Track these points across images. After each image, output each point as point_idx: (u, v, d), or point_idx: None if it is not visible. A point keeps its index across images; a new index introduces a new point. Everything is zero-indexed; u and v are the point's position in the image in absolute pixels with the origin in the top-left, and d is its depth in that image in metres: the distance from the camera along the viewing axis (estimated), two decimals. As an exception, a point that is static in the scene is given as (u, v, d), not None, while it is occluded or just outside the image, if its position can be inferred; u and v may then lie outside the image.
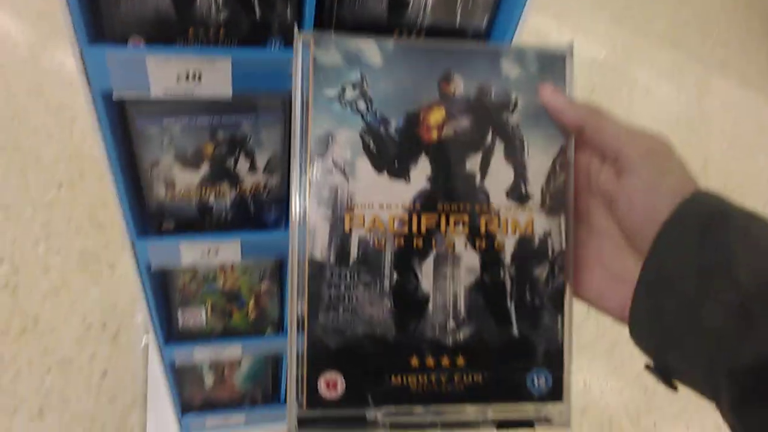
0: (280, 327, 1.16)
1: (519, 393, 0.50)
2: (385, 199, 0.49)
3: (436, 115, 0.50)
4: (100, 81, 0.65)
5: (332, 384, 0.48)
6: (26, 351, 1.51)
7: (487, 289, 0.50)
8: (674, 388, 0.45)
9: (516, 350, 0.50)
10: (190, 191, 0.87)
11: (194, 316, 1.11)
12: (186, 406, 1.32)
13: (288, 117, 0.82)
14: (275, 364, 1.31)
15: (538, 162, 0.51)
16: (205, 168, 0.85)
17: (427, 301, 0.49)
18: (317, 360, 0.48)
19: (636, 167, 0.46)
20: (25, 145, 1.83)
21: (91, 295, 1.62)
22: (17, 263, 1.63)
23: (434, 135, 0.50)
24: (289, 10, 0.69)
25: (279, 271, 1.10)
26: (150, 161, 0.82)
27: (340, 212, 0.48)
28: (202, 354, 1.12)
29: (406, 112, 0.50)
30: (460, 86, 0.51)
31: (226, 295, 1.11)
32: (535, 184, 0.51)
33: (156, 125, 0.78)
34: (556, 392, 0.51)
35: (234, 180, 0.88)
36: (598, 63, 2.62)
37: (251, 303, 1.13)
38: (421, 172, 0.49)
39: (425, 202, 0.49)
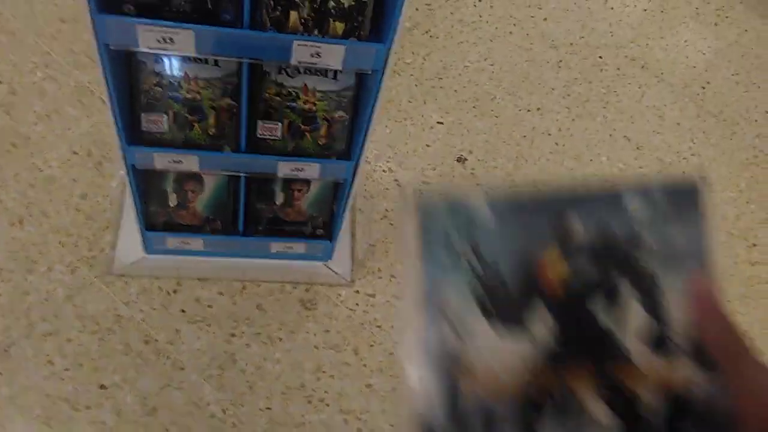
0: (236, 146, 1.21)
1: None
2: (505, 359, 0.43)
3: (557, 267, 0.44)
4: None
5: None
6: (14, 165, 1.60)
7: None
8: None
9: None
10: (148, -29, 0.91)
11: (156, 122, 1.17)
12: (150, 225, 1.40)
13: None
14: (235, 196, 1.37)
15: (681, 308, 0.44)
16: (162, -53, 0.89)
17: None
18: None
19: None
20: (34, -23, 1.88)
21: (81, 125, 1.69)
22: (15, 86, 1.70)
23: (558, 290, 0.44)
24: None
25: (239, 89, 1.15)
26: (108, -71, 0.86)
27: (455, 373, 0.43)
28: (161, 161, 1.19)
29: (522, 263, 0.44)
30: (579, 229, 0.44)
31: (188, 106, 1.16)
32: (681, 333, 0.43)
33: None
34: None
35: (191, -34, 0.91)
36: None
37: (212, 118, 1.18)
38: (542, 325, 0.43)
39: (550, 360, 0.43)
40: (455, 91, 2.02)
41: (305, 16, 0.99)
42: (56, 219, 1.55)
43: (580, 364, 0.43)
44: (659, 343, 0.43)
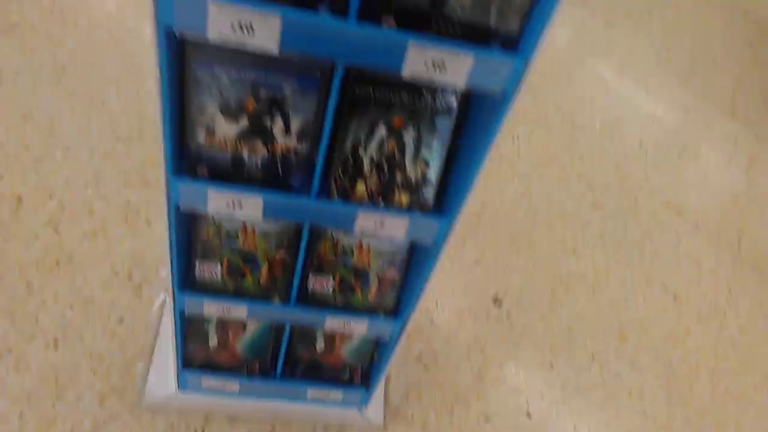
0: (287, 298, 1.21)
1: None
2: None
3: None
4: (165, 15, 0.73)
5: None
6: (55, 284, 1.60)
7: None
8: None
9: None
10: (227, 141, 0.94)
11: (210, 270, 1.17)
12: (187, 362, 1.38)
13: (325, 87, 0.89)
14: (276, 339, 1.35)
15: None
16: (243, 122, 0.92)
17: None
18: None
19: None
20: (96, 94, 1.96)
21: (125, 245, 1.70)
22: (65, 202, 1.74)
23: None
24: (341, -17, 0.75)
25: (296, 242, 1.16)
26: (197, 105, 0.89)
27: None
28: (210, 308, 1.18)
29: None
30: None
31: (242, 255, 1.17)
32: None
33: (208, 72, 0.85)
34: None
35: (268, 139, 0.94)
36: (653, 119, 2.63)
37: (264, 268, 1.18)
38: None
39: None
40: (492, 228, 2.03)
41: (372, 187, 1.01)
42: (91, 343, 1.53)
43: None
44: None
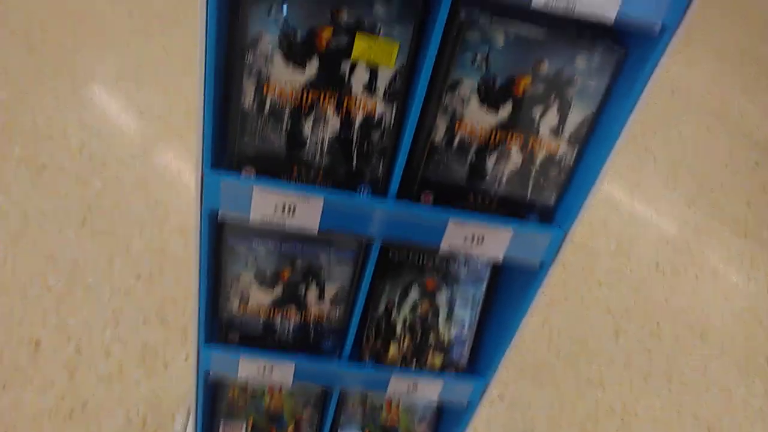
0: (315, 457, 1.16)
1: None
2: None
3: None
4: (210, 200, 0.74)
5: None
6: (68, 433, 1.55)
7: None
8: None
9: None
10: (260, 309, 0.93)
11: (235, 431, 1.13)
12: None
13: (361, 257, 0.89)
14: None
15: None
16: (278, 290, 0.92)
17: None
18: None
19: None
20: (120, 233, 1.99)
21: (141, 389, 1.66)
22: (83, 345, 1.71)
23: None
24: (381, 164, 0.77)
25: (323, 401, 1.13)
26: (232, 276, 0.89)
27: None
28: (234, 469, 1.13)
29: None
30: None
31: (268, 415, 1.13)
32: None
33: (245, 245, 0.86)
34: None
35: (302, 306, 0.93)
36: (666, 239, 2.63)
37: (291, 427, 1.14)
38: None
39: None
40: (514, 362, 1.99)
41: (405, 349, 0.99)
42: (102, 499, 1.46)
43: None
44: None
